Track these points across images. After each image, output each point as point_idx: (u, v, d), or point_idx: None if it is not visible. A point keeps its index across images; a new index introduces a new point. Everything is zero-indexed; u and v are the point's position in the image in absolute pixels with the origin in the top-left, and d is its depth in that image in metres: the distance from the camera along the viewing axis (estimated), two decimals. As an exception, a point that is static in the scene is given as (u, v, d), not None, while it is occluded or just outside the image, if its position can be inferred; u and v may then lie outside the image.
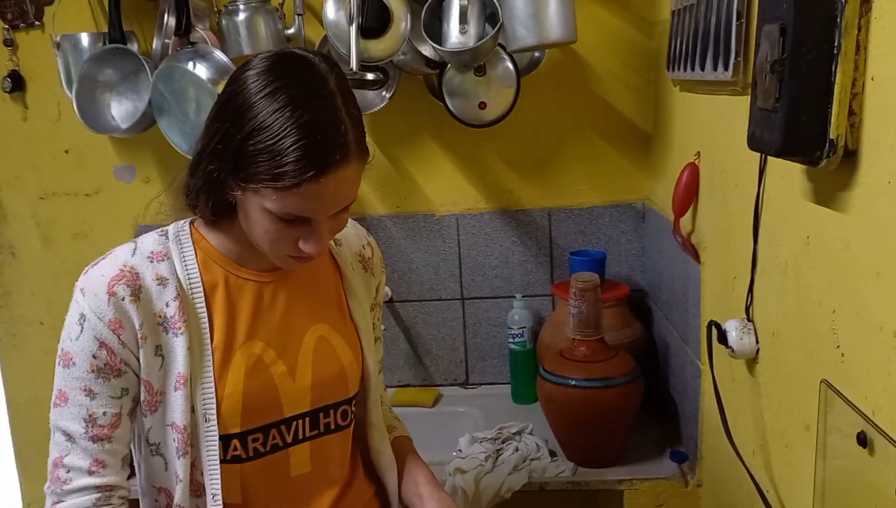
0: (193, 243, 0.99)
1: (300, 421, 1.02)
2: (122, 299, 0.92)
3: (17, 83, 1.93)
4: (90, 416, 0.93)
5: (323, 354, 1.04)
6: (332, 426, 1.06)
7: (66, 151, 1.99)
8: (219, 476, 0.96)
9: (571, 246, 1.92)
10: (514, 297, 1.89)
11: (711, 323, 1.19)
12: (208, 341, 0.97)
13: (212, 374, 0.96)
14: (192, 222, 1.01)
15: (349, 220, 1.07)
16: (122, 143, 1.97)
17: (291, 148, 0.84)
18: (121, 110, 1.81)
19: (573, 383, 1.53)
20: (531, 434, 1.68)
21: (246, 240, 0.97)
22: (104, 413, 0.94)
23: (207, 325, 0.97)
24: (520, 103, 1.72)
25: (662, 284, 1.74)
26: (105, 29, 1.80)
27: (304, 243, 0.92)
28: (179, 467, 0.96)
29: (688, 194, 1.44)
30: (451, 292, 1.99)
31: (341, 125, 0.87)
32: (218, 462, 0.96)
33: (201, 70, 1.64)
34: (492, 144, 1.90)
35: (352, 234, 1.14)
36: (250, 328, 1.00)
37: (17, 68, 1.93)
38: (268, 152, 0.85)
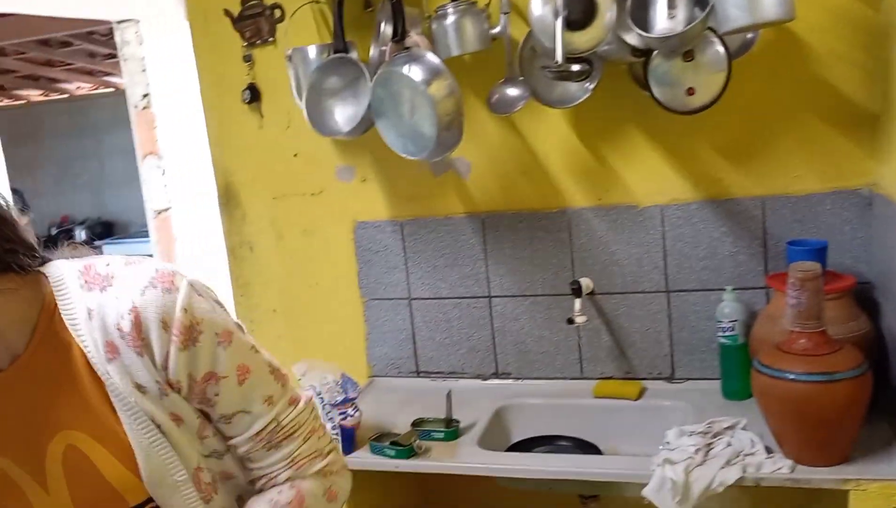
0: None
1: None
2: None
3: (254, 95, 2.17)
4: None
5: (76, 466, 0.86)
6: None
7: (295, 155, 2.20)
8: None
9: (787, 236, 1.82)
10: (724, 289, 1.83)
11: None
12: None
13: None
14: None
15: (132, 273, 0.87)
16: (343, 145, 2.14)
17: None
18: (343, 115, 1.97)
19: (792, 377, 1.46)
20: (744, 430, 1.62)
21: None
22: None
23: None
24: (730, 87, 1.66)
25: (893, 275, 1.61)
26: (329, 41, 1.97)
27: None
28: None
29: (925, 175, 1.32)
30: (656, 285, 1.96)
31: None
32: None
33: (416, 72, 1.75)
34: (700, 131, 1.85)
35: (116, 298, 0.85)
36: None
37: (254, 82, 2.17)
38: None
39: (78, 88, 5.97)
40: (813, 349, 1.47)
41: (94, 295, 0.86)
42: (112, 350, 0.85)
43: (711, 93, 1.67)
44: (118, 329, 0.85)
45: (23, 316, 0.86)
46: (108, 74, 5.51)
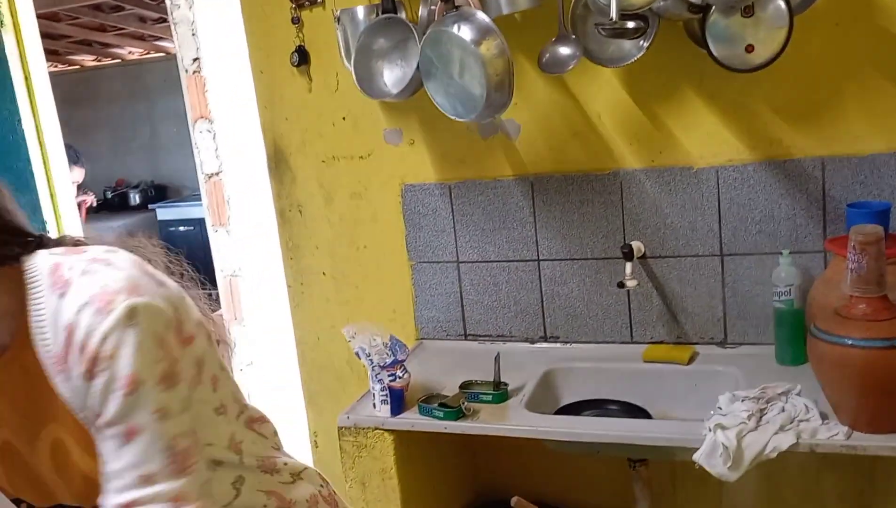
0: None
1: None
2: None
3: (303, 57, 2.16)
4: None
5: (62, 461, 0.87)
6: None
7: (343, 118, 2.20)
8: None
9: (848, 198, 1.76)
10: (781, 253, 1.78)
11: None
12: None
13: None
14: None
15: (88, 283, 0.81)
16: (391, 108, 2.13)
17: None
18: (392, 77, 1.96)
19: (850, 342, 1.43)
20: (799, 396, 1.59)
21: None
22: None
23: None
24: (791, 44, 1.60)
25: (961, 238, 1.55)
26: (378, 1, 1.95)
27: None
28: None
29: None
30: (710, 248, 1.92)
31: None
32: None
33: (465, 32, 1.73)
34: (758, 90, 1.79)
35: (63, 314, 0.81)
36: None
37: (302, 44, 2.16)
38: None
39: (130, 52, 6.05)
40: (873, 315, 1.43)
41: (54, 299, 0.82)
42: (59, 362, 0.81)
43: (771, 50, 1.61)
44: (58, 343, 0.81)
45: (6, 309, 0.84)
46: (159, 39, 5.57)
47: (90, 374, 0.79)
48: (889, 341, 1.39)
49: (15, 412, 0.85)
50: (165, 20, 3.33)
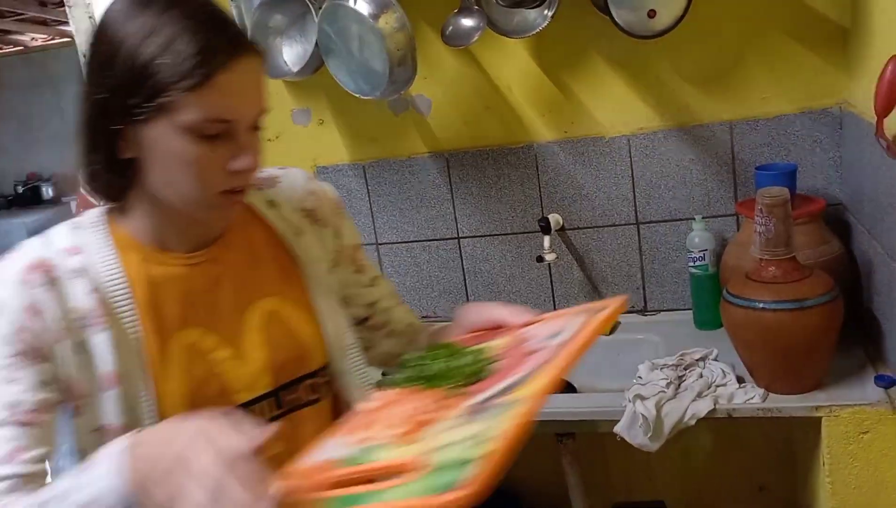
0: (110, 233, 0.92)
1: (262, 404, 0.94)
2: (37, 288, 0.85)
3: (200, 39, 2.05)
4: (11, 403, 0.83)
5: (275, 330, 0.96)
6: (302, 402, 0.98)
7: (248, 100, 2.10)
8: None
9: (758, 160, 1.77)
10: (694, 219, 1.78)
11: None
12: (138, 334, 0.88)
13: (146, 370, 0.88)
14: (108, 211, 0.94)
15: (291, 172, 1.05)
16: (297, 87, 2.05)
17: (190, 40, 0.80)
18: (291, 55, 1.88)
19: (761, 305, 1.43)
20: (716, 360, 1.60)
21: (165, 219, 0.91)
22: (31, 399, 0.84)
23: (134, 318, 0.89)
24: (694, 8, 1.59)
25: (864, 195, 1.56)
26: (273, -24, 1.86)
27: (235, 161, 0.84)
28: None
29: (892, 91, 1.26)
30: (625, 217, 1.91)
31: (227, 18, 0.86)
32: None
33: (362, 6, 1.66)
34: (664, 56, 1.78)
35: (289, 189, 1.04)
36: (183, 316, 0.91)
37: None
38: (166, 54, 0.79)
39: (33, 39, 5.74)
40: (782, 277, 1.44)
41: (265, 192, 1.02)
42: (297, 230, 1.01)
43: (674, 14, 1.59)
44: (302, 210, 1.02)
45: None
46: (62, 23, 5.29)
47: (345, 215, 1.10)
48: (799, 302, 1.40)
49: (216, 305, 0.93)
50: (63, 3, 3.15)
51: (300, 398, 0.97)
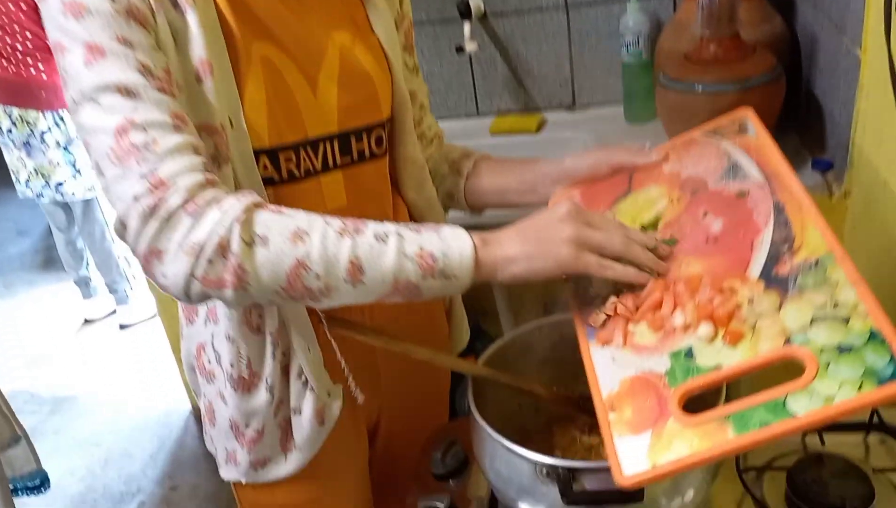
0: None
1: (328, 144, 0.88)
2: None
3: None
4: (143, 66, 0.71)
5: (349, 68, 0.88)
6: (367, 154, 0.92)
7: None
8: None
9: (698, -71, 1.59)
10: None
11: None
12: (218, 24, 0.78)
13: (231, 66, 0.78)
14: None
15: None
16: None
17: None
18: None
19: (701, 88, 1.32)
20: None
21: None
22: (155, 65, 0.73)
23: (213, 4, 0.78)
24: None
25: (812, -33, 1.43)
26: None
27: None
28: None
29: None
30: (553, 0, 1.73)
31: None
32: (258, 175, 0.81)
33: None
34: None
35: None
36: (263, 23, 0.82)
37: None
38: None
39: None
40: (724, 56, 1.33)
41: None
42: None
43: None
44: None
45: None
46: None
47: None
48: (741, 83, 1.30)
49: (299, 35, 0.85)
50: None
51: (365, 149, 0.92)
